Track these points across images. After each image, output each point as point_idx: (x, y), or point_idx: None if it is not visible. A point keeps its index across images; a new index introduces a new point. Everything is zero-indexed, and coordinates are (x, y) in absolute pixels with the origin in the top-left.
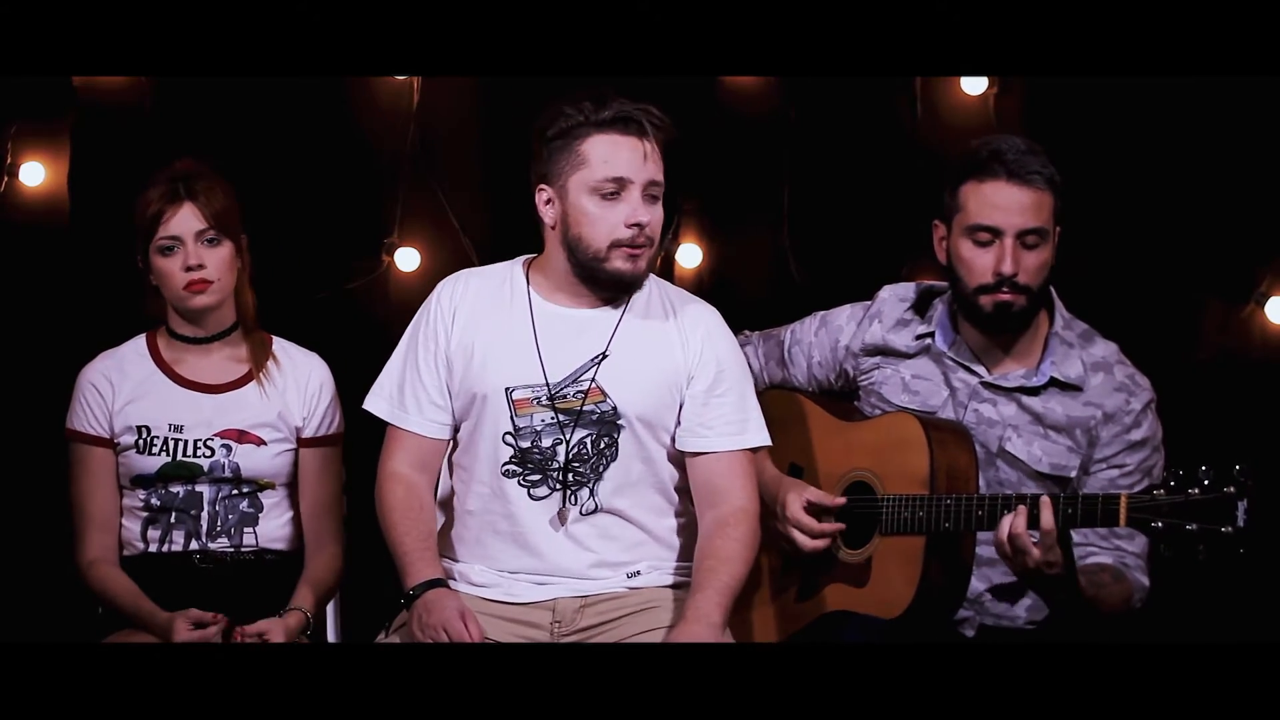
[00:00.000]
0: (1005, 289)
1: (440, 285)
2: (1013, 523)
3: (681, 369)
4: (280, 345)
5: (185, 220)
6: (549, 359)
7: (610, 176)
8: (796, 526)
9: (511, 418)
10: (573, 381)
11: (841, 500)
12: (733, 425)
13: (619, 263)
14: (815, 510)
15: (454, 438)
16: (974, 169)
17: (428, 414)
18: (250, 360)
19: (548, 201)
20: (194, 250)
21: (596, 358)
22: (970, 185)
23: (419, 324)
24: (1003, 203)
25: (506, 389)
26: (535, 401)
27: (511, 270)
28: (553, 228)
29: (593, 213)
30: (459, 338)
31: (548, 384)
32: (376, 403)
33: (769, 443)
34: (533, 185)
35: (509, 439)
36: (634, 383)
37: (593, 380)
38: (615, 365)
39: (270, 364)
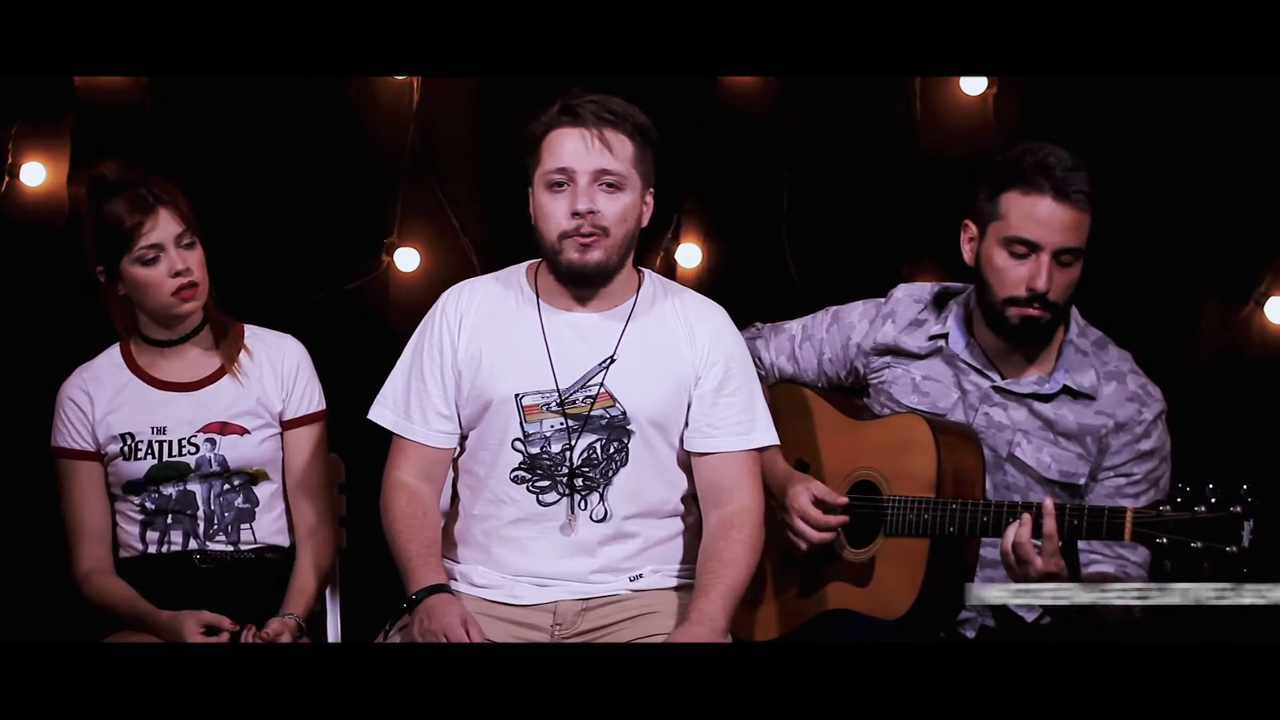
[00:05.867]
0: (1035, 304)
1: (444, 295)
2: (1017, 532)
3: (689, 369)
4: (252, 332)
5: (165, 227)
6: (559, 365)
7: (555, 168)
8: (803, 518)
9: (521, 424)
10: (581, 386)
11: (845, 500)
12: (740, 425)
13: (570, 254)
14: (821, 506)
15: (460, 445)
16: (1019, 179)
17: (434, 424)
18: (221, 354)
19: (529, 203)
20: (176, 255)
21: (604, 362)
22: (1013, 195)
23: (424, 334)
24: (1045, 219)
25: (516, 395)
26: (545, 408)
27: (516, 276)
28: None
29: (545, 207)
30: (466, 346)
31: (558, 390)
32: (381, 412)
33: (776, 443)
34: None
35: (518, 445)
36: (643, 387)
37: (601, 385)
38: (623, 369)
39: (242, 354)
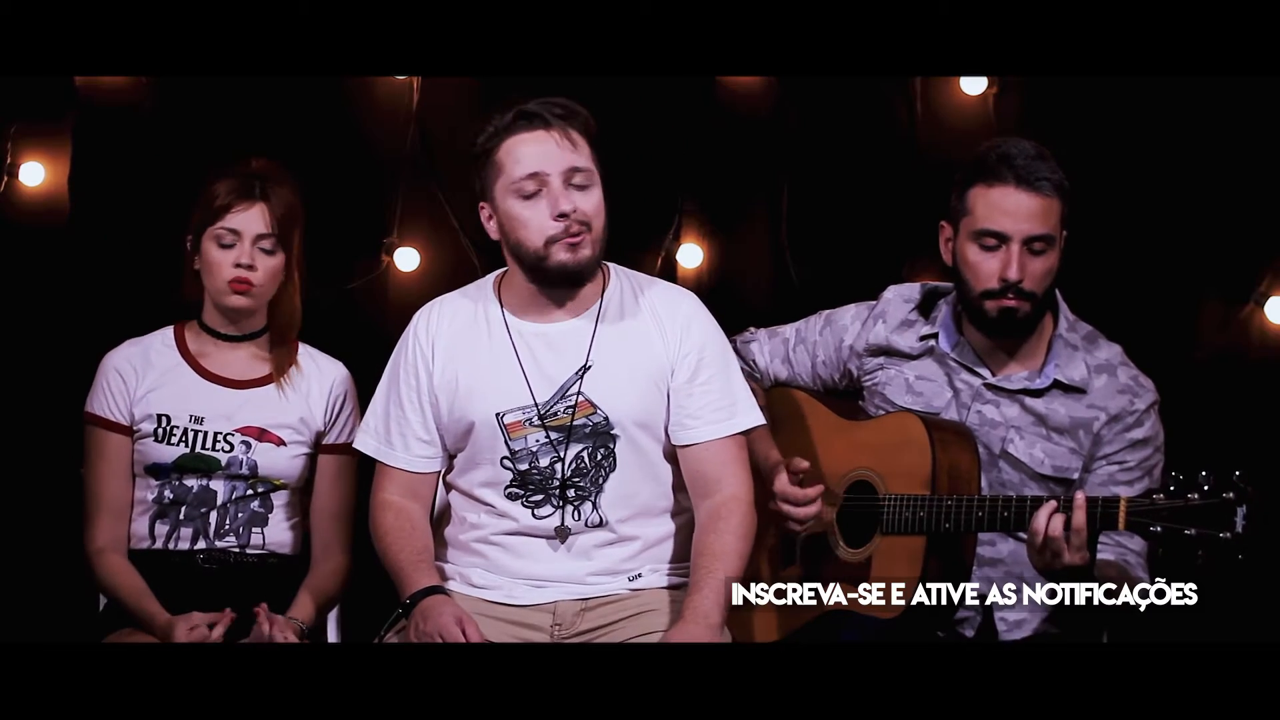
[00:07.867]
0: (1010, 295)
1: (415, 318)
2: (1050, 523)
3: (664, 364)
4: (306, 351)
5: (251, 220)
6: (534, 379)
7: (524, 174)
8: (785, 500)
9: (506, 442)
10: (560, 398)
11: (805, 464)
12: (719, 412)
13: (561, 255)
14: (797, 479)
15: (448, 464)
16: (983, 173)
17: (414, 450)
18: (272, 361)
19: (489, 218)
20: (249, 250)
21: (579, 371)
22: (978, 189)
23: (399, 360)
24: (1011, 208)
25: (497, 414)
26: (527, 423)
27: (483, 290)
28: (499, 241)
29: (521, 215)
30: (441, 372)
31: (536, 404)
32: (364, 440)
33: (761, 422)
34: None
35: (507, 463)
36: (621, 390)
37: (580, 394)
38: (599, 375)
39: (293, 369)
